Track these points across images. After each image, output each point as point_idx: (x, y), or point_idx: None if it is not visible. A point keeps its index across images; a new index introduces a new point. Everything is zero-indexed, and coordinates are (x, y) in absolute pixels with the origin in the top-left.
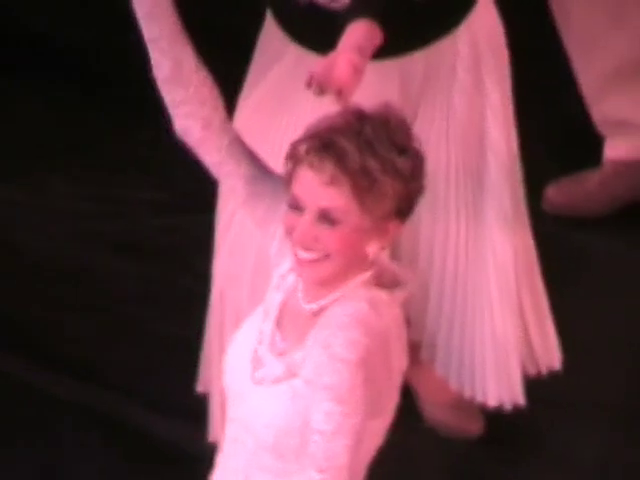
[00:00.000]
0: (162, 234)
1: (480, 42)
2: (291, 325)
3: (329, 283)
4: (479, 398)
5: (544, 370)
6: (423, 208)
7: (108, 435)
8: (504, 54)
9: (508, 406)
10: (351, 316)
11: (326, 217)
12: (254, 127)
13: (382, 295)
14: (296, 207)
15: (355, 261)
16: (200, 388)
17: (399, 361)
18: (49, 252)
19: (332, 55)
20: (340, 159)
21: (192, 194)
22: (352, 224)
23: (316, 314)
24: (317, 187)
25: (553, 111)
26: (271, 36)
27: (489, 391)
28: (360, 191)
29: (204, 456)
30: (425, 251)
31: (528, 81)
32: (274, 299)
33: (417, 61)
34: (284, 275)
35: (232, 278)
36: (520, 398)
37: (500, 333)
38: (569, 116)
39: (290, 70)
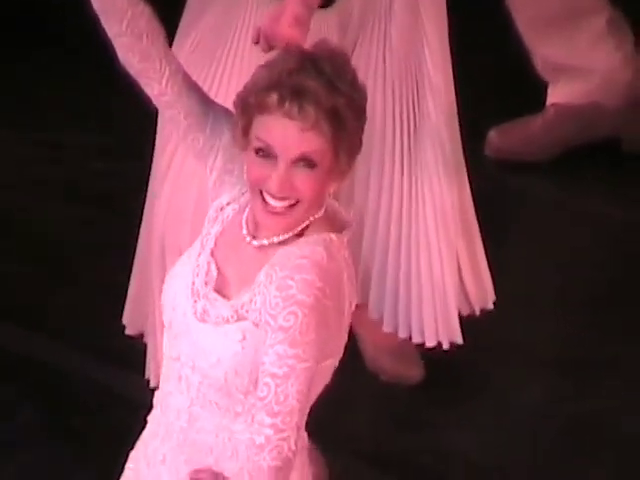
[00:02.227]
0: (100, 179)
1: None
2: (230, 258)
3: (293, 227)
4: (416, 338)
5: (477, 310)
6: None
7: (44, 380)
8: None
9: (446, 345)
10: (307, 259)
11: (303, 162)
12: (192, 68)
13: (332, 237)
14: (267, 156)
15: (319, 203)
16: (130, 330)
17: (350, 302)
18: None
19: (278, 8)
20: (317, 102)
21: (130, 139)
22: (326, 166)
23: (262, 250)
24: (296, 134)
25: (496, 56)
26: None
27: (426, 331)
28: (335, 130)
29: (141, 400)
30: (360, 191)
31: (471, 27)
32: (211, 231)
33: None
34: (223, 207)
35: (173, 223)
36: (458, 337)
37: (437, 273)
38: (512, 61)
39: (228, 8)
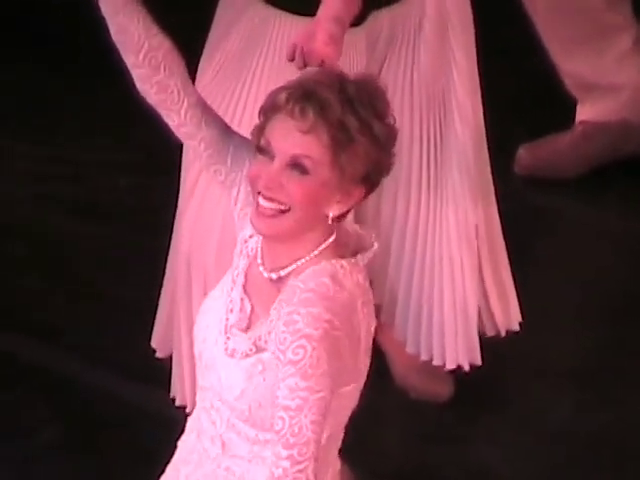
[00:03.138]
0: (123, 195)
1: (446, 1)
2: (256, 292)
3: (285, 240)
4: (437, 360)
5: (502, 331)
6: None
7: (65, 395)
8: (469, 13)
9: (466, 367)
10: (313, 292)
11: (297, 165)
12: (217, 89)
13: (343, 263)
14: (266, 154)
15: (314, 221)
16: (161, 353)
17: (367, 325)
18: (8, 213)
19: (311, 25)
20: (322, 109)
21: (154, 155)
22: (320, 177)
23: (276, 282)
24: (294, 134)
25: (526, 73)
26: None
27: (447, 353)
28: (336, 144)
29: (161, 416)
30: (386, 212)
31: (500, 43)
32: (239, 265)
33: (383, 18)
34: (246, 240)
35: (199, 242)
36: (477, 359)
37: (460, 296)
38: (542, 78)
39: (253, 29)
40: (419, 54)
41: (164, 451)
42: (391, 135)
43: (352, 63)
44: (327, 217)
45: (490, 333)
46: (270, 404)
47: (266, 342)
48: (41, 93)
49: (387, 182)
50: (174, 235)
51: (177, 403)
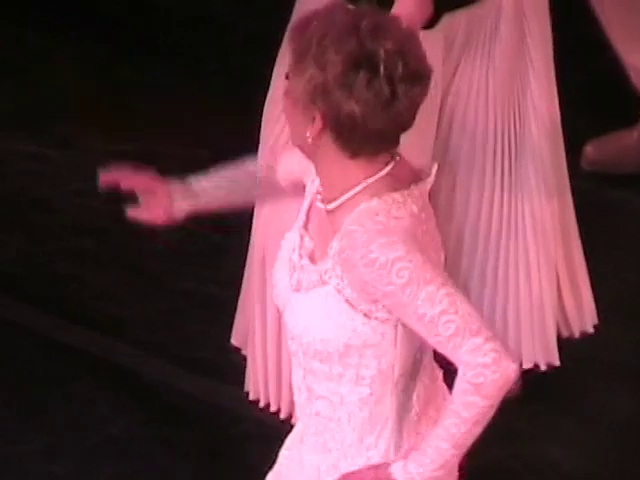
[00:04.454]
0: None
1: (524, 1)
2: (316, 228)
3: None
4: None
5: (577, 333)
6: (460, 164)
7: (133, 389)
8: (546, 13)
9: (543, 367)
10: (373, 230)
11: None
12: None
13: (395, 197)
14: None
15: (304, 142)
16: (235, 341)
17: (436, 253)
18: (78, 208)
19: None
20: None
21: (223, 149)
22: (288, 92)
23: (330, 216)
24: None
25: (593, 68)
26: None
27: (523, 352)
28: (294, 61)
29: (227, 410)
30: (460, 208)
31: (568, 39)
32: (303, 204)
33: (460, 18)
34: (313, 180)
35: (274, 238)
36: (555, 359)
37: (537, 293)
38: (609, 73)
39: None
40: (494, 54)
41: (228, 446)
42: (343, 71)
43: None
44: (307, 138)
45: (564, 334)
46: (333, 337)
47: (330, 277)
48: (114, 84)
49: (460, 175)
50: (252, 231)
51: (251, 397)
